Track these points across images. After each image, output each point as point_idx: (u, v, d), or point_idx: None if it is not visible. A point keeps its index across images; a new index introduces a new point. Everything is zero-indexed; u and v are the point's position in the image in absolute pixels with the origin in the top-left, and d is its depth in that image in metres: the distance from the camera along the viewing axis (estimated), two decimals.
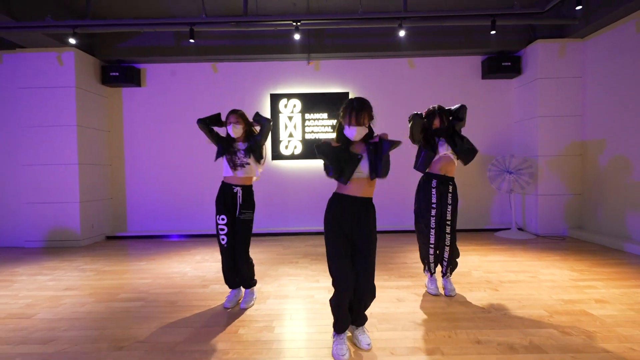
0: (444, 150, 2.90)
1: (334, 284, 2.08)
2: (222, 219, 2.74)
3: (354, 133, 2.07)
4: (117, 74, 5.73)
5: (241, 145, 2.83)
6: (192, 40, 4.30)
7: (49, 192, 5.24)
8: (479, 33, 5.60)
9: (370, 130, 2.15)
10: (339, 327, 2.11)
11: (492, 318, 2.50)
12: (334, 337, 2.13)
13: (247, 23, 4.46)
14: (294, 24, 4.24)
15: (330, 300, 2.11)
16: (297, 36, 4.41)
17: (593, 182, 5.18)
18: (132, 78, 5.80)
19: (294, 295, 3.05)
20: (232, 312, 2.68)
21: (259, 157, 2.82)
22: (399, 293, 3.03)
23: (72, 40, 4.39)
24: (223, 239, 2.73)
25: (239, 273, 2.81)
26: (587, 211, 5.30)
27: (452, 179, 2.97)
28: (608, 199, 4.91)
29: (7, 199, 5.37)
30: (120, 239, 5.83)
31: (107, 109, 5.99)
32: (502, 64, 5.66)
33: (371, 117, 2.11)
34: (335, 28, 5.30)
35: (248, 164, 2.79)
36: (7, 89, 5.33)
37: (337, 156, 2.07)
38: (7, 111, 5.35)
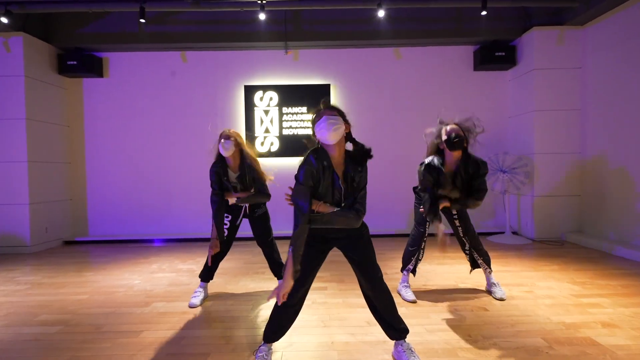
0: None
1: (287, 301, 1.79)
2: (227, 216, 2.81)
3: (325, 125, 1.68)
4: (76, 62, 5.21)
5: (232, 176, 2.78)
6: (142, 20, 3.81)
7: None
8: (470, 20, 5.13)
9: (359, 147, 1.80)
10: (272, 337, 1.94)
11: (479, 351, 2.03)
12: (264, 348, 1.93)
13: (206, 2, 3.97)
14: (259, 2, 3.75)
15: (274, 314, 1.92)
16: (262, 16, 3.93)
17: (594, 182, 4.75)
18: (92, 67, 5.29)
19: (247, 317, 2.57)
20: (161, 341, 2.19)
21: (251, 185, 2.78)
22: (370, 315, 2.56)
23: (4, 20, 3.88)
24: (225, 237, 2.76)
25: (273, 261, 2.92)
26: (587, 214, 4.87)
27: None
28: (610, 201, 4.47)
29: None
30: (79, 244, 5.32)
31: (65, 101, 5.47)
32: (495, 54, 5.21)
33: (344, 117, 1.78)
34: (309, 9, 4.81)
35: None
36: None
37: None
38: None
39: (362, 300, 2.80)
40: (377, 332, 2.26)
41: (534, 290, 2.99)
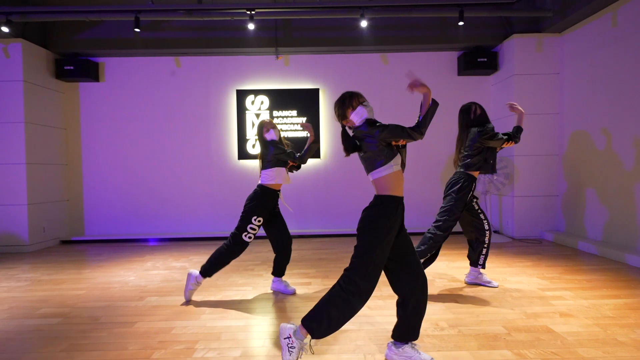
0: None
1: (362, 293, 1.80)
2: (259, 220, 2.92)
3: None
4: (72, 67, 5.38)
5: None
6: (137, 30, 3.99)
7: None
8: (454, 27, 5.34)
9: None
10: (325, 335, 1.85)
11: (444, 337, 2.23)
12: (301, 344, 1.80)
13: (199, 12, 4.16)
14: (248, 12, 3.95)
15: (344, 310, 1.80)
16: (251, 26, 4.13)
17: (570, 183, 4.97)
18: (89, 72, 5.45)
19: (235, 309, 2.76)
20: (154, 331, 2.38)
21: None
22: None
23: (4, 29, 4.05)
24: (250, 237, 2.91)
25: (288, 257, 3.08)
26: (564, 213, 5.09)
27: None
28: (586, 201, 4.69)
29: None
30: (76, 243, 5.49)
31: (62, 105, 5.64)
32: (478, 60, 5.43)
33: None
34: (295, 19, 5.01)
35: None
36: None
37: None
38: None
39: None
40: (356, 320, 2.45)
41: (504, 285, 3.20)
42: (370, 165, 1.93)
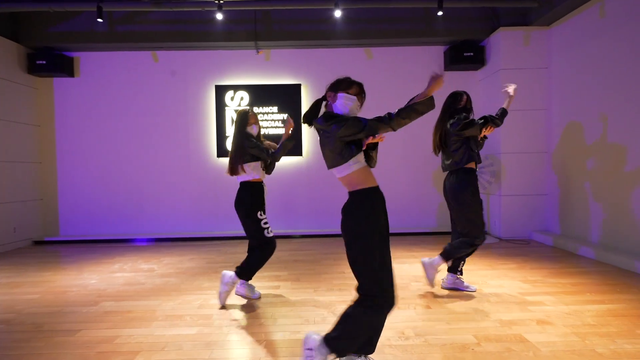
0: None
1: (380, 301, 1.60)
2: (262, 213, 2.78)
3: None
4: (45, 62, 5.18)
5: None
6: (100, 20, 3.81)
7: None
8: (439, 20, 5.16)
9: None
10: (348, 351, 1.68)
11: (407, 347, 2.05)
12: None
13: (167, 2, 3.97)
14: (216, 1, 3.76)
15: (367, 321, 1.61)
16: (219, 16, 3.94)
17: (559, 182, 4.80)
18: (63, 67, 5.26)
19: (192, 315, 2.58)
20: (96, 340, 2.20)
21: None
22: (316, 312, 2.58)
23: None
24: (271, 230, 2.78)
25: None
26: (553, 213, 4.92)
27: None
28: (575, 200, 4.51)
29: None
30: (49, 244, 5.30)
31: (36, 101, 5.45)
32: (464, 55, 5.24)
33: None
34: (269, 9, 4.80)
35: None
36: None
37: None
38: None
39: (317, 297, 2.83)
40: (315, 328, 2.27)
41: (483, 289, 3.02)
42: (329, 162, 1.75)
